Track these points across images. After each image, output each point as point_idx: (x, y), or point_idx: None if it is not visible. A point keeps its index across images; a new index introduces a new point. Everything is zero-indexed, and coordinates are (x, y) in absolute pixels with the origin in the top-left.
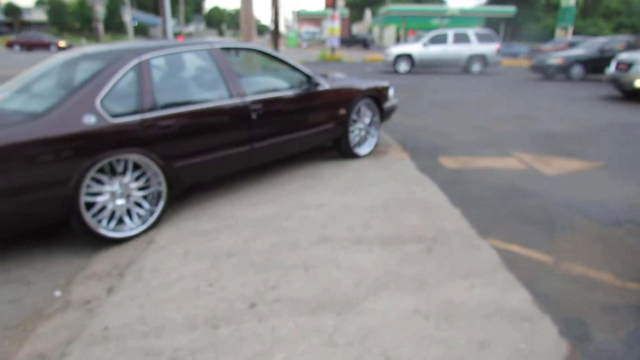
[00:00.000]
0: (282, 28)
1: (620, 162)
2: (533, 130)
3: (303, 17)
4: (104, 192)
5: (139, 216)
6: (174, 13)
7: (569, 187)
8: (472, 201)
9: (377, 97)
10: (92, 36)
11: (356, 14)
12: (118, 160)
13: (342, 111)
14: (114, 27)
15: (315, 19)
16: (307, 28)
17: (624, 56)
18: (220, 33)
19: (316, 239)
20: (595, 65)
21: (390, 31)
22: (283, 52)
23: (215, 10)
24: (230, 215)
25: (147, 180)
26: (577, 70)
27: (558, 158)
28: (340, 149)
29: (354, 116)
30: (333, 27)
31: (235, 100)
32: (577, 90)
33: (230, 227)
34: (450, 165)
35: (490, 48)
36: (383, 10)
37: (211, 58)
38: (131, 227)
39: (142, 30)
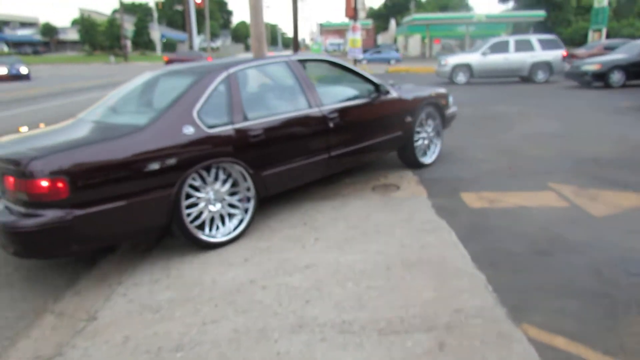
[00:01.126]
0: (308, 40)
1: None
2: (572, 153)
3: (327, 29)
4: (200, 199)
5: (231, 222)
6: (201, 29)
7: (627, 236)
8: (501, 259)
9: (439, 104)
10: (121, 54)
11: (381, 24)
12: (211, 169)
13: (409, 119)
14: (142, 44)
15: (339, 30)
16: (332, 40)
17: None
18: (247, 47)
19: (292, 324)
20: (637, 70)
21: (415, 40)
22: None
23: (242, 25)
24: (197, 281)
25: (237, 189)
26: (616, 77)
27: (607, 191)
28: (405, 158)
29: (418, 124)
30: (354, 39)
31: (314, 110)
32: (618, 99)
33: (191, 301)
34: (475, 203)
35: (555, 54)
36: (407, 19)
37: (290, 70)
38: (224, 233)
39: (170, 47)
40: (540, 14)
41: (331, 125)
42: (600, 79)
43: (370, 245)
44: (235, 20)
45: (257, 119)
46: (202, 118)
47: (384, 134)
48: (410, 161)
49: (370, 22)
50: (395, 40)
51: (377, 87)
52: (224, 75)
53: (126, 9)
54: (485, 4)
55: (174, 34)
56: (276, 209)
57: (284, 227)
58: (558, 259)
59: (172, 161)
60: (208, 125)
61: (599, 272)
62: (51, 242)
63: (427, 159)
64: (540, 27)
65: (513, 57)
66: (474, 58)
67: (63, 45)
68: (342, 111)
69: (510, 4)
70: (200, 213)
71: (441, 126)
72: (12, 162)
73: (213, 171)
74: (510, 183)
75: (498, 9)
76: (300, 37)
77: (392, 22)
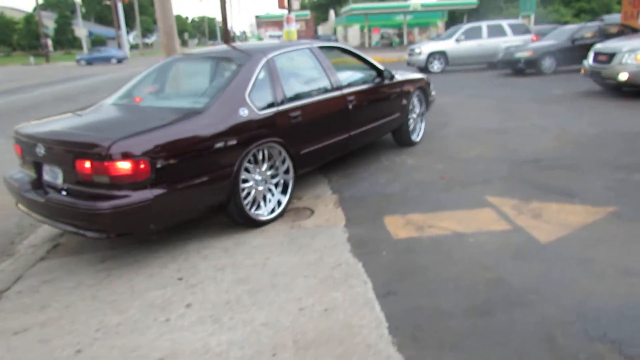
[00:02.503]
0: (249, 32)
1: (636, 202)
2: (511, 153)
3: (265, 21)
4: (250, 179)
5: (271, 202)
6: (134, 24)
7: (580, 270)
8: (427, 327)
9: (425, 89)
10: (41, 54)
11: (321, 15)
12: (259, 149)
13: (404, 101)
14: (66, 42)
15: (277, 22)
16: (272, 32)
17: (603, 46)
18: (184, 43)
19: None
20: (566, 56)
21: (354, 30)
22: None
23: (178, 18)
24: None
25: (277, 168)
26: (548, 63)
27: (552, 204)
28: (400, 138)
29: (410, 106)
30: (290, 30)
31: (337, 93)
32: (552, 86)
33: None
34: (400, 232)
35: (525, 39)
36: (345, 9)
37: (314, 56)
38: (269, 211)
39: (99, 44)
40: (472, 1)
41: (350, 107)
42: (533, 65)
43: (258, 313)
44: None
45: (294, 102)
46: (253, 101)
47: (388, 115)
48: (404, 140)
49: (308, 13)
50: (334, 31)
51: (381, 72)
52: (264, 60)
53: (49, 4)
54: None
55: (103, 31)
56: (149, 255)
57: (150, 287)
58: (500, 320)
59: (233, 141)
60: (258, 108)
61: (552, 338)
62: (133, 221)
63: (417, 138)
64: (474, 14)
65: (487, 43)
66: (448, 45)
67: None
68: (358, 94)
69: None
70: (249, 193)
71: (425, 109)
72: (88, 145)
73: (261, 152)
74: (444, 198)
75: None
76: (242, 29)
77: (332, 13)
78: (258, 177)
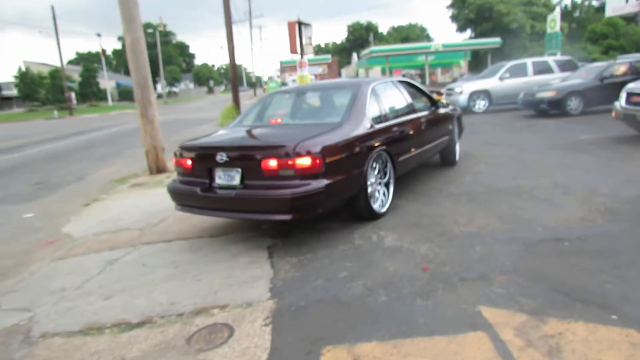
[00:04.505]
0: (275, 77)
1: None
2: (523, 227)
3: (289, 66)
4: (370, 177)
5: (379, 199)
6: (158, 74)
7: None
8: None
9: (460, 118)
10: (65, 107)
11: (344, 58)
12: (375, 155)
13: (450, 127)
14: (91, 95)
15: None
16: (294, 76)
17: (637, 85)
18: (210, 90)
19: None
20: (595, 95)
21: (375, 72)
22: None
23: (204, 66)
24: None
25: (380, 172)
26: (574, 104)
27: (577, 323)
28: (447, 157)
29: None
30: (302, 75)
31: (414, 115)
32: (578, 130)
33: None
34: None
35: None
36: (365, 52)
37: (395, 86)
38: (381, 206)
39: (126, 95)
40: (495, 41)
41: (423, 127)
42: (557, 106)
43: None
44: (197, 62)
45: (393, 120)
46: (370, 117)
47: (443, 136)
48: (450, 160)
49: (329, 57)
50: (356, 73)
51: (435, 102)
52: (370, 87)
53: (82, 58)
54: (445, 34)
55: (130, 82)
56: None
57: None
58: None
59: (364, 146)
60: (374, 122)
61: None
62: (310, 205)
63: (457, 158)
64: (498, 53)
65: (533, 81)
66: (491, 83)
67: (8, 102)
68: (427, 117)
69: (468, 33)
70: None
71: (458, 135)
72: (277, 147)
73: (375, 157)
74: (418, 312)
75: (459, 37)
76: (270, 74)
77: (354, 56)
78: (373, 180)
